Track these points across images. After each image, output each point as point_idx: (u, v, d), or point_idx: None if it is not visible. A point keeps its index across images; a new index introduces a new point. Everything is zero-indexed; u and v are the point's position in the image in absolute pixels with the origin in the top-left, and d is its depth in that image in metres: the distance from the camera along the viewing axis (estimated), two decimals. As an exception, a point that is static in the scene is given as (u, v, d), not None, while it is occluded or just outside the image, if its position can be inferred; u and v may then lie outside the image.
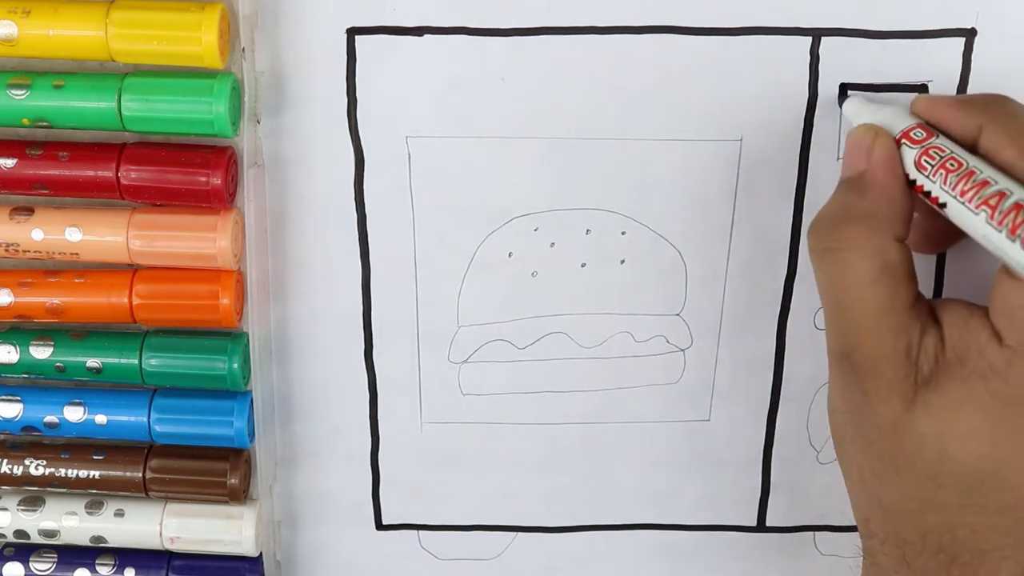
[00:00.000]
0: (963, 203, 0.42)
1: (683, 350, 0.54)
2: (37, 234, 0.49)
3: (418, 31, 0.48)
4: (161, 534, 0.54)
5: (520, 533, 0.58)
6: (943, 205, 0.43)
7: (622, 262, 0.53)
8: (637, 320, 0.54)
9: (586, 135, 0.50)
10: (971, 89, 0.50)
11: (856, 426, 0.45)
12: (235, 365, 0.52)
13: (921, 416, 0.43)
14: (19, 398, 0.52)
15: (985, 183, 0.42)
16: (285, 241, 0.52)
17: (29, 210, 0.50)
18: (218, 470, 0.53)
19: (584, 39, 0.49)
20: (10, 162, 0.48)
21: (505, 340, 0.54)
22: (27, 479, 0.53)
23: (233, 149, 0.50)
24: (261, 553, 0.56)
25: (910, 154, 0.45)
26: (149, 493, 0.54)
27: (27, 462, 0.53)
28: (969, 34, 0.49)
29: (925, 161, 0.44)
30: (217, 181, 0.48)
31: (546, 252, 0.52)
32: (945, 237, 0.49)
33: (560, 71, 0.49)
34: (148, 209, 0.50)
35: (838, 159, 0.51)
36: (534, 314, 0.53)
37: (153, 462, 0.53)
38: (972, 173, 0.43)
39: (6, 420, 0.52)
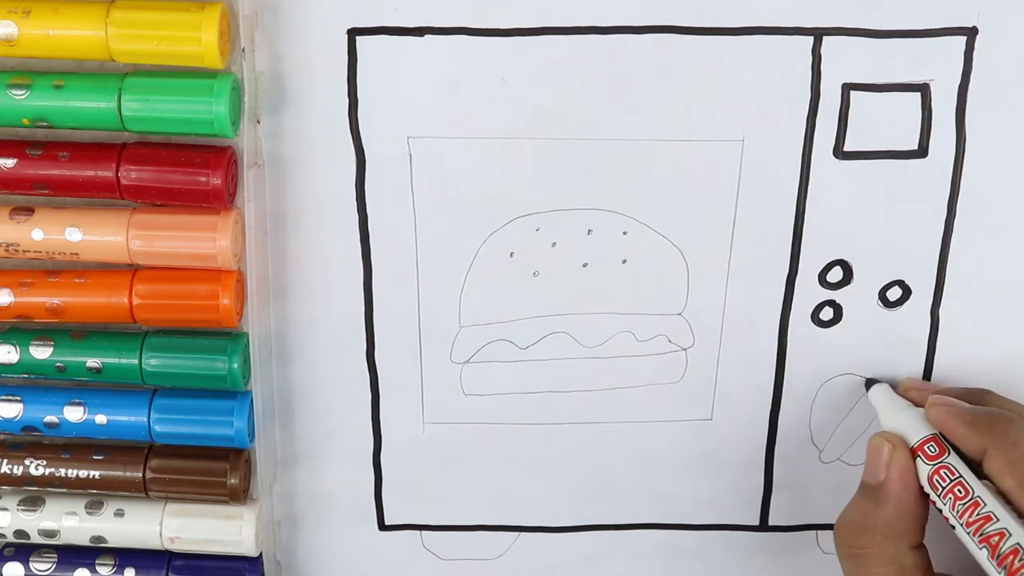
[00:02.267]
0: (968, 533, 0.46)
1: (685, 349, 0.54)
2: (37, 234, 0.49)
3: (419, 31, 0.48)
4: (161, 534, 0.54)
5: (522, 533, 0.58)
6: (952, 526, 0.47)
7: (624, 262, 0.53)
8: (639, 320, 0.54)
9: (587, 135, 0.50)
10: (973, 88, 0.50)
11: None
12: (235, 365, 0.51)
13: None
14: (19, 398, 0.52)
15: (988, 518, 0.45)
16: (285, 241, 0.52)
17: (29, 210, 0.50)
18: (218, 470, 0.53)
19: (584, 39, 0.49)
20: (10, 162, 0.48)
21: (507, 340, 0.54)
22: (27, 479, 0.53)
23: (233, 149, 0.50)
24: (261, 553, 0.56)
25: (924, 469, 0.48)
26: (149, 493, 0.54)
27: (27, 462, 0.53)
28: (971, 33, 0.49)
29: (936, 481, 0.48)
30: (217, 181, 0.48)
31: (548, 252, 0.52)
32: None
33: (560, 71, 0.49)
34: (148, 209, 0.50)
35: (837, 157, 0.51)
36: (536, 314, 0.53)
37: (153, 462, 0.53)
38: (977, 504, 0.46)
39: (6, 420, 0.52)
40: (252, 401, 0.53)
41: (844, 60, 0.49)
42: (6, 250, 0.50)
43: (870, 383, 0.55)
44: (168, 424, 0.52)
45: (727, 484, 0.57)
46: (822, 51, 0.49)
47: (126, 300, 0.50)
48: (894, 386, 0.54)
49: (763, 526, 0.58)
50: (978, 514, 0.45)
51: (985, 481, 0.47)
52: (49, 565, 0.55)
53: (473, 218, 0.52)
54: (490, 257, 0.52)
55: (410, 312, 0.53)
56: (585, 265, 0.53)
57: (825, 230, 0.52)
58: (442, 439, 0.56)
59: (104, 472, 0.53)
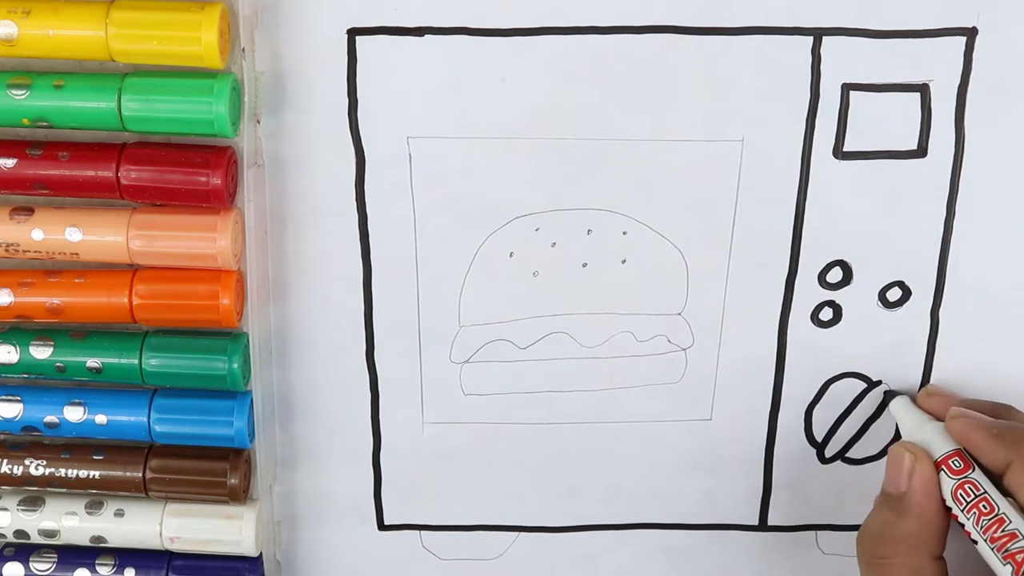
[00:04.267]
0: (992, 549, 0.46)
1: (684, 349, 0.54)
2: (37, 234, 0.49)
3: (419, 31, 0.48)
4: (161, 534, 0.54)
5: (522, 533, 0.58)
6: (975, 541, 0.47)
7: (623, 262, 0.53)
8: (638, 320, 0.54)
9: (586, 135, 0.50)
10: (973, 88, 0.50)
11: None
12: (235, 365, 0.51)
13: None
14: (19, 398, 0.52)
15: (1013, 536, 0.45)
16: (285, 241, 0.52)
17: (29, 210, 0.50)
18: (218, 470, 0.53)
19: (584, 39, 0.49)
20: (10, 162, 0.48)
21: (506, 340, 0.54)
22: (27, 479, 0.53)
23: (233, 149, 0.50)
24: (261, 553, 0.56)
25: (948, 483, 0.48)
26: (149, 493, 0.54)
27: (27, 462, 0.53)
28: (970, 33, 0.49)
29: (961, 495, 0.47)
30: (217, 181, 0.48)
31: (547, 252, 0.52)
32: None
33: (560, 71, 0.49)
34: (148, 209, 0.50)
35: (837, 157, 0.51)
36: (535, 314, 0.53)
37: (153, 462, 0.53)
38: (1002, 520, 0.46)
39: (6, 420, 0.52)
40: (252, 401, 0.53)
41: (844, 60, 0.49)
42: (6, 250, 0.50)
43: (890, 395, 0.55)
44: (168, 424, 0.52)
45: (726, 484, 0.57)
46: (822, 51, 0.49)
47: (126, 300, 0.50)
48: (914, 397, 0.54)
49: (762, 526, 0.58)
50: (1003, 531, 0.45)
51: (1010, 499, 0.47)
52: (49, 565, 0.55)
53: (473, 218, 0.52)
54: (490, 257, 0.52)
55: (410, 312, 0.53)
56: (585, 265, 0.53)
57: (825, 230, 0.52)
58: (442, 439, 0.56)
59: (104, 472, 0.53)
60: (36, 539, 0.54)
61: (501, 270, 0.53)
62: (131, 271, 0.51)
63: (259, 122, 0.50)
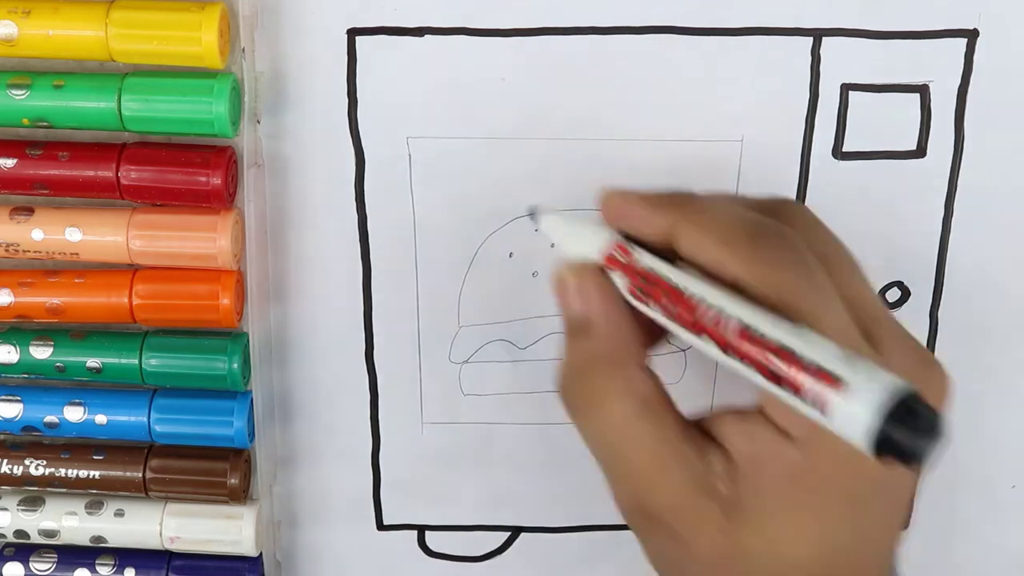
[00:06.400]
0: (685, 331, 0.40)
1: (684, 350, 0.54)
2: (37, 234, 0.49)
3: (419, 31, 0.48)
4: (161, 534, 0.54)
5: (522, 533, 0.58)
6: (678, 338, 0.41)
7: (623, 262, 0.53)
8: (638, 320, 0.54)
9: (586, 135, 0.50)
10: (973, 90, 0.50)
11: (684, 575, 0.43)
12: (235, 365, 0.51)
13: (746, 536, 0.40)
14: (19, 398, 0.52)
15: (695, 307, 0.39)
16: (285, 241, 0.52)
17: (29, 210, 0.50)
18: (218, 470, 0.53)
19: (584, 39, 0.49)
20: (10, 162, 0.48)
21: (506, 340, 0.54)
22: (27, 479, 0.53)
23: (233, 149, 0.50)
24: (261, 553, 0.56)
25: (620, 282, 0.42)
26: (149, 493, 0.54)
27: (27, 462, 0.53)
28: (971, 34, 0.49)
29: (638, 290, 0.41)
30: (217, 181, 0.48)
31: (547, 252, 0.52)
32: None
33: (560, 71, 0.49)
34: (148, 209, 0.50)
35: (837, 158, 0.51)
36: (535, 314, 0.53)
37: (153, 462, 0.53)
38: (680, 295, 0.40)
39: (6, 420, 0.52)
40: (252, 401, 0.53)
41: (844, 60, 0.49)
42: (6, 250, 0.50)
43: (533, 216, 0.46)
44: (168, 424, 0.52)
45: (727, 484, 0.57)
46: (822, 51, 0.49)
47: (126, 300, 0.50)
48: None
49: (762, 526, 0.58)
50: (688, 304, 0.39)
51: (684, 266, 0.41)
52: (49, 565, 0.55)
53: (472, 218, 0.52)
54: (489, 257, 0.52)
55: (409, 312, 0.53)
56: (585, 265, 0.52)
57: (824, 231, 0.52)
58: (441, 439, 0.56)
59: (104, 472, 0.53)
60: (36, 539, 0.54)
61: (501, 270, 0.53)
62: (131, 271, 0.51)
63: (259, 122, 0.50)
